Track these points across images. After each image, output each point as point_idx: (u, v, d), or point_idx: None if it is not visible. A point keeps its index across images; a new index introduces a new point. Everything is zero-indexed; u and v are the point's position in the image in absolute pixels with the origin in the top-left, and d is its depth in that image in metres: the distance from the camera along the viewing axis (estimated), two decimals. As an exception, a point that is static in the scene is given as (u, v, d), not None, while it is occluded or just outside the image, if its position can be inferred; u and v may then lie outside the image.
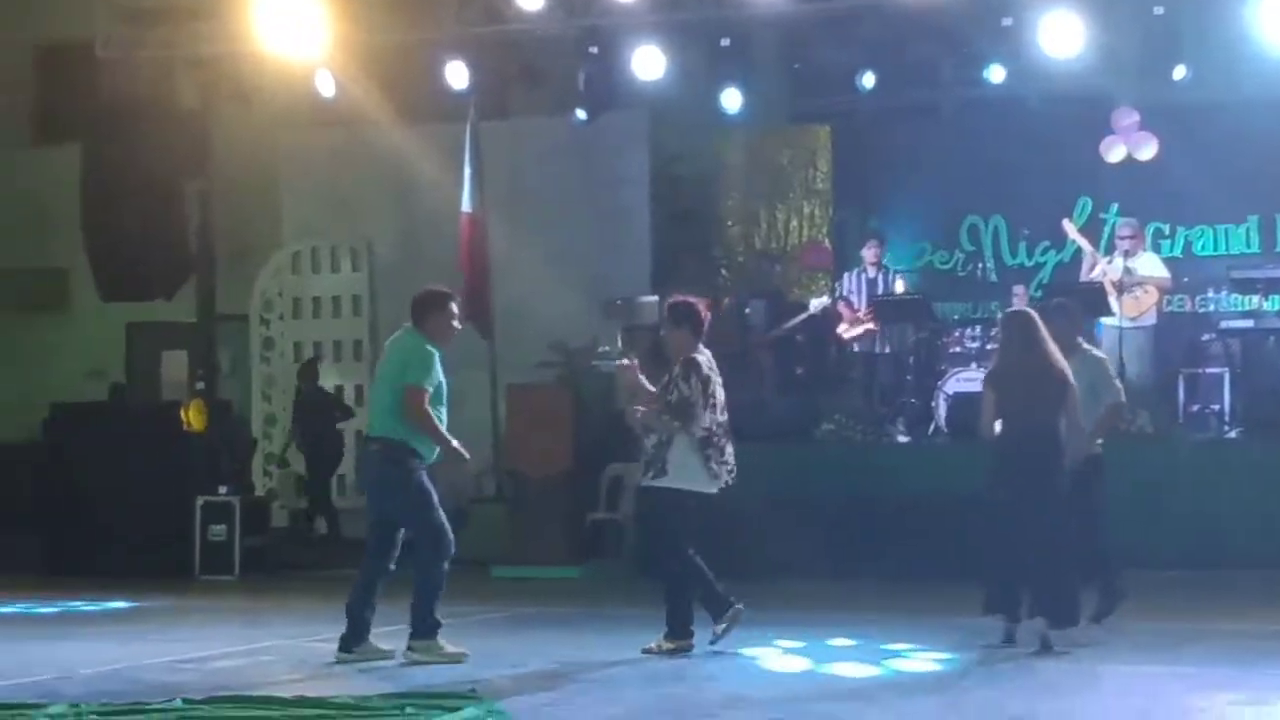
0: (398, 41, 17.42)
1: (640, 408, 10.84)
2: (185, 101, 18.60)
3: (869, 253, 17.48)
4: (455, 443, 10.68)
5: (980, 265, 18.61)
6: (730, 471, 10.88)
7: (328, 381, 20.02)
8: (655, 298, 17.93)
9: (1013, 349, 11.10)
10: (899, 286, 17.49)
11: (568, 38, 17.27)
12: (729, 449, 10.87)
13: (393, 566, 10.74)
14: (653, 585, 15.02)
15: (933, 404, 16.53)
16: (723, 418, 10.83)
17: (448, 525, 10.62)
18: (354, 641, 10.60)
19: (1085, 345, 11.94)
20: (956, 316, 17.89)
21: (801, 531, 14.95)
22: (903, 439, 16.37)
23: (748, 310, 17.85)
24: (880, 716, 8.57)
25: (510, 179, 18.85)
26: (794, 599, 13.56)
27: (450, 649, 10.53)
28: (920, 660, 10.39)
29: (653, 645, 10.70)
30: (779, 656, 10.63)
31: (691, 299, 11.13)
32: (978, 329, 16.97)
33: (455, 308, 10.89)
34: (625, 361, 11.33)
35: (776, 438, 16.43)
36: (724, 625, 10.77)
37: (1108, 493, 11.75)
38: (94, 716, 8.38)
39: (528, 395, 16.90)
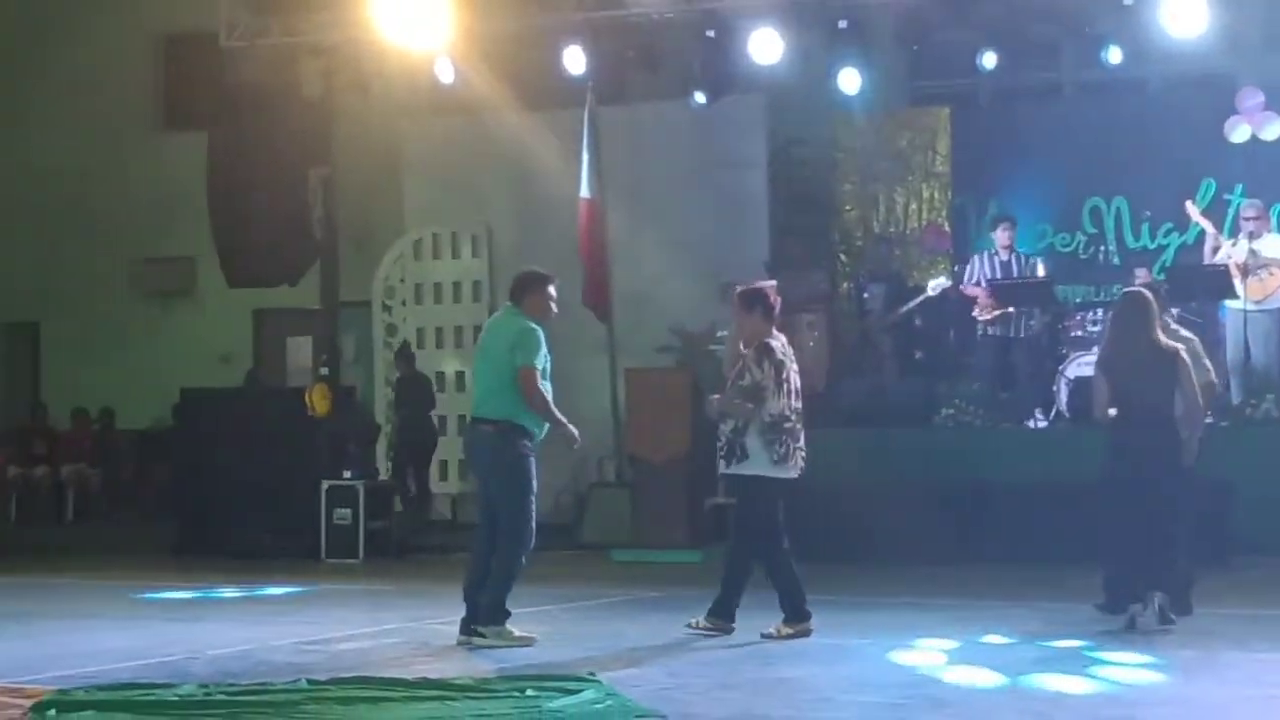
0: (516, 28, 17.53)
1: (714, 396, 10.86)
2: (308, 90, 18.83)
3: (1001, 235, 17.27)
4: (568, 424, 10.71)
5: (1102, 248, 18.43)
6: (803, 456, 10.83)
7: (448, 367, 20.20)
8: (773, 282, 17.89)
9: (1122, 332, 11.02)
10: (1041, 270, 17.26)
11: (685, 22, 17.30)
12: (801, 434, 10.82)
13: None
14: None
15: (1054, 388, 16.40)
16: (797, 404, 10.79)
17: (533, 520, 10.63)
18: (475, 624, 10.70)
19: (1174, 325, 11.84)
20: (1078, 300, 17.72)
21: (920, 517, 14.90)
22: (1042, 424, 16.24)
23: (866, 295, 17.79)
24: (998, 700, 8.55)
25: (628, 164, 18.89)
26: (912, 585, 13.52)
27: (519, 634, 10.54)
28: (1042, 649, 10.34)
29: (771, 629, 10.72)
30: (898, 641, 10.61)
31: (761, 284, 11.13)
32: (1099, 312, 16.80)
33: (554, 289, 10.90)
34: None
35: (896, 423, 16.39)
36: (789, 632, 10.68)
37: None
38: (222, 696, 8.53)
39: (647, 380, 16.95)
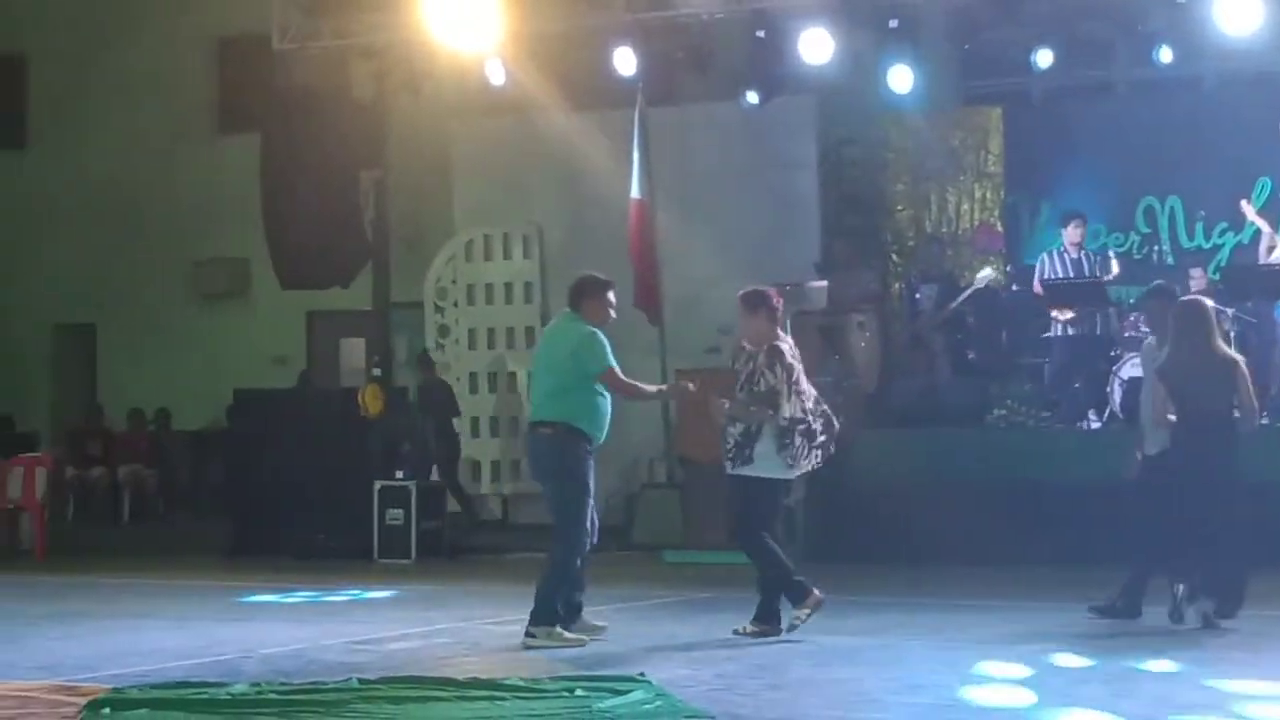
0: (566, 29, 17.57)
1: (725, 400, 10.80)
2: (359, 92, 18.91)
3: (1072, 232, 17.12)
4: (666, 389, 11.18)
5: (1156, 248, 18.32)
6: (819, 455, 10.85)
7: (499, 367, 20.24)
8: (824, 283, 17.89)
9: (1186, 339, 11.02)
10: (1115, 267, 17.12)
11: (735, 22, 17.30)
12: (819, 433, 10.81)
13: (593, 540, 10.83)
14: (822, 571, 15.12)
15: (1108, 389, 16.32)
16: (809, 404, 10.81)
17: (593, 524, 10.71)
18: (567, 621, 10.72)
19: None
20: (1132, 300, 17.61)
21: (973, 518, 14.86)
22: (1095, 424, 16.17)
23: (917, 295, 17.74)
24: (1048, 703, 8.52)
25: (678, 164, 18.89)
26: (964, 586, 13.49)
27: (569, 635, 10.60)
28: (1071, 655, 10.31)
29: (741, 628, 10.78)
30: (949, 643, 10.59)
31: (763, 287, 11.11)
32: (1154, 313, 16.67)
33: (613, 295, 10.96)
34: (691, 387, 11.35)
35: (948, 423, 16.34)
36: (807, 611, 10.75)
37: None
38: (273, 695, 8.58)
39: (697, 380, 16.90)
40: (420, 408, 19.69)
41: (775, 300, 10.99)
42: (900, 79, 17.18)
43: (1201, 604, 10.73)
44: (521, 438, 19.43)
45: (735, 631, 10.73)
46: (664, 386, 10.88)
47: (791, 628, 10.71)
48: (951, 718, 8.17)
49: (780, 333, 10.97)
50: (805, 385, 10.85)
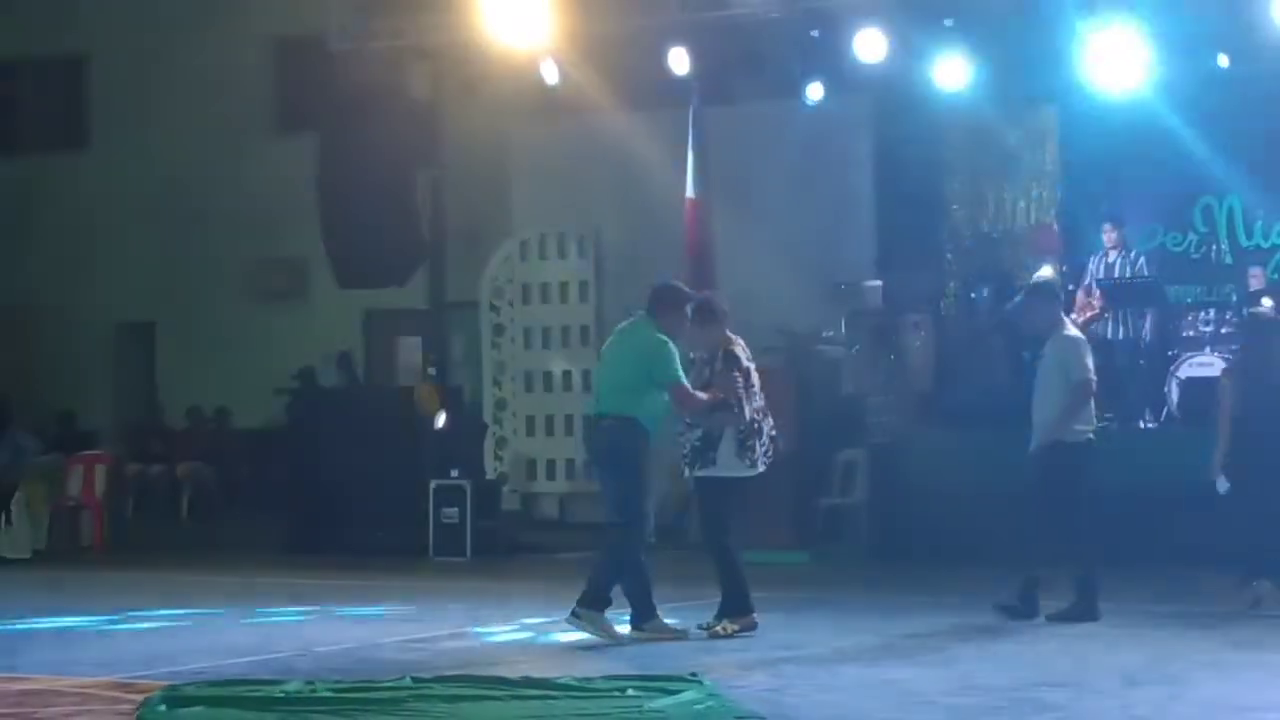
0: (621, 29, 17.58)
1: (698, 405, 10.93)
2: (415, 92, 19.00)
3: (1107, 236, 17.10)
4: (712, 399, 10.89)
5: (1214, 247, 18.20)
6: (768, 454, 11.06)
7: (555, 367, 20.29)
8: (880, 282, 17.86)
9: (1255, 354, 11.32)
10: (1144, 270, 17.04)
11: (790, 21, 17.27)
12: (767, 430, 11.04)
13: (650, 539, 10.99)
14: (882, 572, 15.15)
15: (1165, 389, 16.22)
16: (760, 402, 11.02)
17: (649, 517, 10.88)
18: (642, 619, 10.84)
19: (1067, 326, 11.91)
20: (1190, 300, 17.52)
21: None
22: (1149, 425, 16.08)
23: (974, 295, 17.68)
24: (1103, 705, 8.49)
25: (734, 164, 18.88)
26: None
27: (614, 629, 10.72)
28: (1123, 656, 10.26)
29: (718, 627, 10.88)
30: (1002, 644, 10.57)
31: (707, 293, 11.49)
32: (1211, 312, 16.61)
33: (690, 311, 11.09)
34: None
35: (1004, 424, 16.26)
36: (736, 627, 10.90)
37: (1089, 482, 11.67)
38: (328, 693, 8.64)
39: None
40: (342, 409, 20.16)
41: (724, 305, 11.21)
42: (956, 78, 17.12)
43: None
44: (576, 437, 19.59)
45: (703, 629, 10.86)
46: (712, 399, 10.92)
47: (712, 634, 10.82)
48: (1005, 718, 8.15)
49: (731, 335, 11.13)
50: (756, 383, 11.05)
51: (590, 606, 10.69)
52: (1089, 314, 16.82)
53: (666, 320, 10.96)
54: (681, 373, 10.82)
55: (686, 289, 11.34)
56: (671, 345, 10.85)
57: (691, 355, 11.26)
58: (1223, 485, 12.01)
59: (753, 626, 10.95)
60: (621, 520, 10.83)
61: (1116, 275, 16.90)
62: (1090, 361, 11.73)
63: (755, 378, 11.07)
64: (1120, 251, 17.00)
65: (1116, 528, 14.68)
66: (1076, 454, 11.56)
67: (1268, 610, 11.59)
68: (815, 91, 17.97)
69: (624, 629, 10.85)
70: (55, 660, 10.16)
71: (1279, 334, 12.37)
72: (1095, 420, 11.87)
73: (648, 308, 11.06)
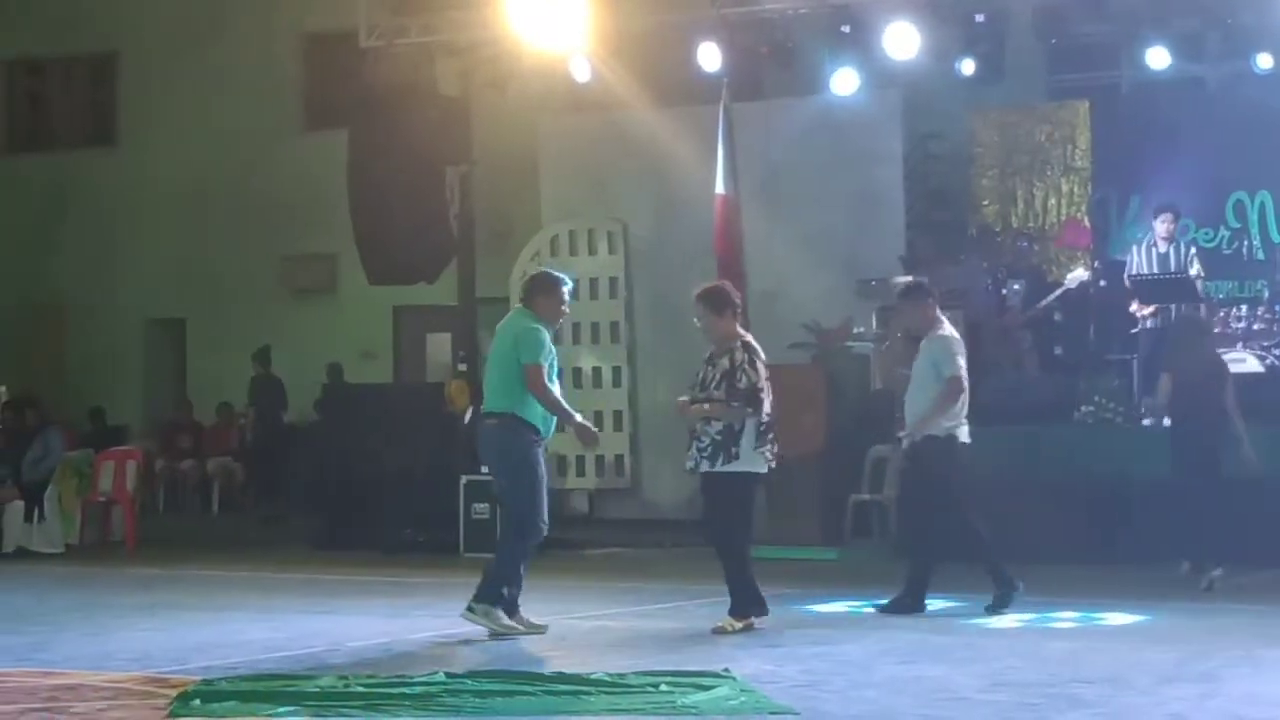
0: (651, 25, 17.60)
1: (692, 401, 10.85)
2: (445, 88, 19.04)
3: (1161, 226, 16.98)
4: (579, 418, 11.03)
5: (1246, 242, 18.11)
6: (775, 452, 11.07)
7: (585, 363, 20.30)
8: (910, 278, 17.80)
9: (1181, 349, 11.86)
10: (1196, 267, 16.92)
11: (820, 16, 17.27)
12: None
13: (539, 538, 11.01)
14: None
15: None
16: (770, 398, 10.96)
17: (543, 515, 10.88)
18: (480, 600, 10.86)
19: (944, 326, 12.04)
20: (1222, 295, 17.45)
21: (1060, 515, 14.78)
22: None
23: (1005, 291, 17.63)
24: (1136, 702, 8.46)
25: (763, 160, 18.86)
26: (1052, 584, 13.39)
27: (507, 622, 10.76)
28: (1158, 652, 10.23)
29: (723, 624, 10.80)
30: (1037, 641, 10.54)
31: (722, 283, 11.24)
32: (1244, 308, 16.53)
33: (567, 293, 11.14)
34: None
35: (1035, 420, 16.24)
36: (740, 626, 10.82)
37: (962, 476, 11.83)
38: (360, 688, 8.67)
39: (781, 376, 16.79)
40: (251, 403, 21.27)
41: (738, 297, 11.15)
42: (986, 73, 17.07)
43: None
44: (605, 432, 19.60)
45: (717, 630, 10.79)
46: (573, 414, 10.98)
47: (720, 630, 10.77)
48: (1039, 715, 8.14)
49: (741, 329, 11.08)
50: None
51: (483, 601, 10.79)
52: (1154, 306, 16.65)
53: (542, 307, 11.02)
54: (539, 356, 10.78)
55: (558, 274, 11.34)
56: (542, 332, 10.88)
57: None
58: None
59: (751, 628, 10.87)
60: (513, 520, 10.93)
61: (1174, 268, 16.74)
62: (962, 360, 11.92)
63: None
64: (1171, 243, 16.88)
65: (1150, 525, 14.68)
66: (945, 447, 11.74)
67: (1220, 590, 12.64)
68: (843, 82, 17.90)
69: (542, 621, 10.98)
70: (88, 655, 10.21)
71: (1207, 334, 14.17)
72: (965, 418, 11.95)
73: (522, 299, 11.18)
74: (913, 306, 12.29)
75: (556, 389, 10.95)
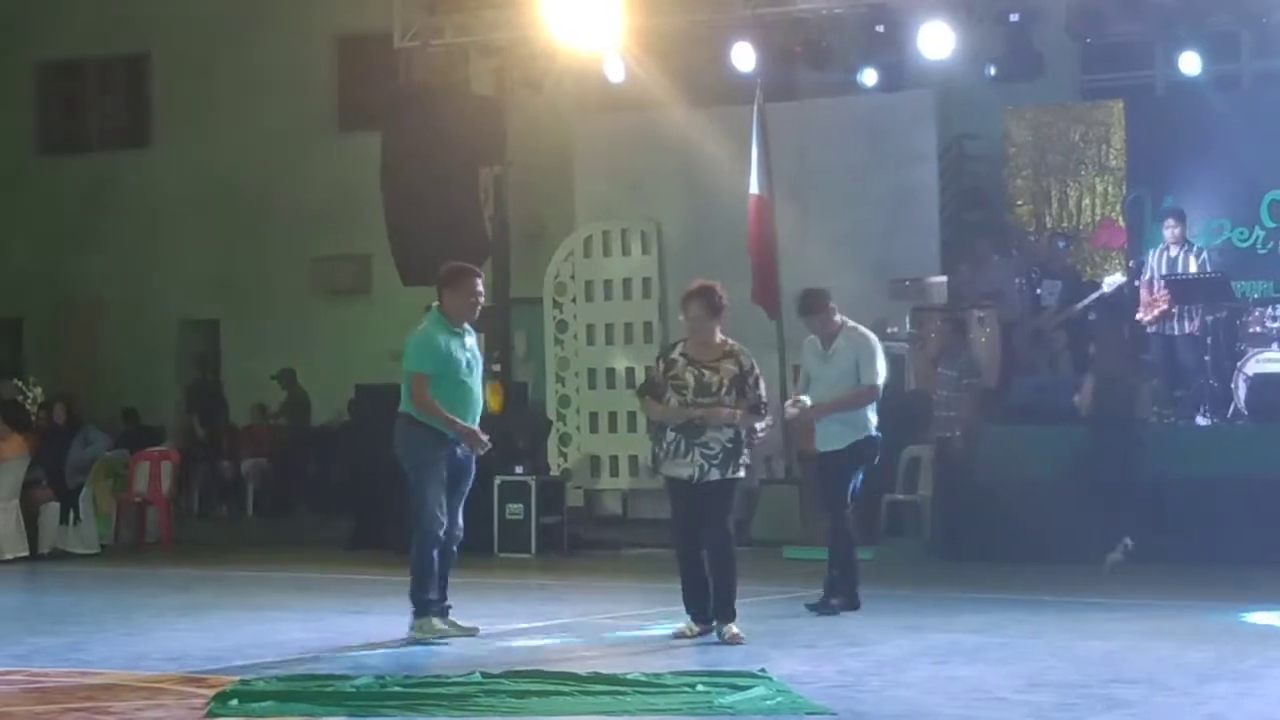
0: (685, 25, 17.62)
1: (728, 412, 10.54)
2: (479, 89, 19.07)
3: (1168, 231, 16.98)
4: (461, 424, 10.58)
5: (1282, 243, 18.06)
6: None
7: (618, 363, 20.31)
8: (944, 278, 17.80)
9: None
10: (1192, 266, 16.92)
11: (854, 16, 17.27)
12: None
13: (456, 534, 10.74)
14: (947, 567, 15.08)
15: (1232, 385, 16.10)
16: None
17: (440, 512, 10.55)
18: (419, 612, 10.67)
19: (851, 324, 11.93)
20: (1256, 295, 17.37)
21: (1095, 514, 14.74)
22: (1202, 421, 15.97)
23: (1039, 291, 17.59)
24: (1174, 702, 8.43)
25: (797, 160, 18.86)
26: (1087, 584, 13.38)
27: (441, 625, 10.54)
28: (1195, 653, 10.19)
29: (737, 631, 10.50)
30: (1072, 641, 10.51)
31: (715, 284, 10.78)
32: (1278, 308, 16.47)
33: (478, 282, 10.80)
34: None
35: (1069, 419, 16.20)
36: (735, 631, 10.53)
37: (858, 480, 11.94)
38: (397, 688, 8.68)
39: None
40: (188, 406, 21.80)
41: (725, 299, 10.77)
42: (1021, 73, 17.04)
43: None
44: (639, 433, 19.64)
45: (731, 639, 10.45)
46: (455, 421, 10.60)
47: (735, 639, 10.41)
48: (1075, 715, 8.11)
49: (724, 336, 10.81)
50: None
51: (416, 616, 10.58)
52: (1156, 311, 16.70)
53: (449, 302, 10.71)
54: (423, 365, 10.54)
55: (465, 265, 11.01)
56: (428, 339, 10.59)
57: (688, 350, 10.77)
58: None
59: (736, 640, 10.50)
60: (415, 523, 10.65)
61: (1180, 271, 16.76)
62: (880, 365, 11.86)
63: None
64: (1181, 247, 16.86)
65: (1186, 524, 14.65)
66: (859, 450, 11.79)
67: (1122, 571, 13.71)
68: (877, 82, 17.90)
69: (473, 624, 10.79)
70: (125, 655, 10.24)
71: (1123, 338, 15.49)
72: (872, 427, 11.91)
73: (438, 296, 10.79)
74: (814, 316, 11.95)
75: (472, 386, 10.64)
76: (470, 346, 10.78)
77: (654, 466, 10.96)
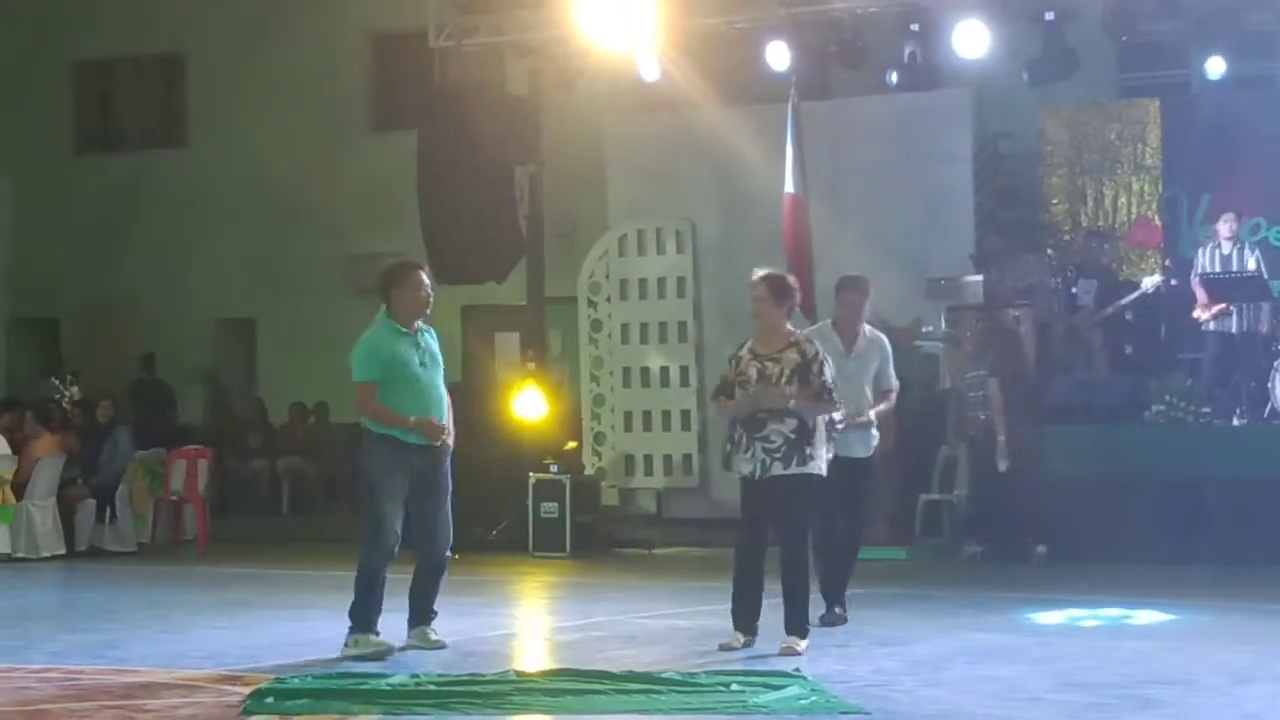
0: (719, 24, 17.62)
1: (779, 392, 10.04)
2: (514, 88, 19.10)
3: (1224, 225, 16.84)
4: (414, 419, 10.08)
5: (1320, 241, 17.94)
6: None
7: (653, 362, 20.29)
8: (979, 277, 17.74)
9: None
10: (1250, 264, 16.81)
11: (889, 15, 17.25)
12: None
13: (439, 558, 10.41)
14: (982, 566, 15.05)
15: (1269, 385, 16.01)
16: None
17: (393, 525, 10.07)
18: (410, 623, 10.38)
19: (869, 327, 11.55)
20: (1292, 295, 17.27)
21: (1132, 514, 14.70)
22: (1238, 422, 15.90)
23: (1075, 290, 17.53)
24: (1209, 702, 8.41)
25: (832, 159, 18.81)
26: (1123, 584, 13.33)
27: (375, 640, 9.98)
28: (1231, 653, 10.15)
29: (790, 644, 9.93)
30: (1108, 641, 10.49)
31: (788, 275, 10.50)
32: (1315, 308, 16.38)
33: (424, 278, 10.28)
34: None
35: (1105, 419, 16.16)
36: (803, 643, 10.01)
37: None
38: (432, 686, 8.71)
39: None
40: (134, 405, 21.40)
41: (798, 297, 10.49)
42: (1056, 71, 16.99)
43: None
44: (674, 432, 19.66)
45: (787, 652, 9.87)
46: (407, 420, 10.06)
47: (790, 651, 9.85)
48: (1110, 715, 8.09)
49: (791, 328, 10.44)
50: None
51: (351, 631, 10.09)
52: (1215, 309, 16.56)
53: (397, 303, 10.20)
54: (367, 373, 10.10)
55: (409, 261, 10.61)
56: (373, 345, 10.17)
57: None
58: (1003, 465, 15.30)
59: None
60: (362, 533, 10.27)
61: (1235, 268, 16.62)
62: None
63: None
64: (1234, 243, 16.75)
65: (1223, 525, 14.60)
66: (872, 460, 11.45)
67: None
68: (912, 81, 17.88)
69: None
70: (161, 653, 10.28)
71: (1016, 340, 16.06)
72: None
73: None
74: (859, 296, 11.58)
75: (435, 383, 10.18)
76: (426, 345, 10.28)
77: (725, 465, 10.52)
